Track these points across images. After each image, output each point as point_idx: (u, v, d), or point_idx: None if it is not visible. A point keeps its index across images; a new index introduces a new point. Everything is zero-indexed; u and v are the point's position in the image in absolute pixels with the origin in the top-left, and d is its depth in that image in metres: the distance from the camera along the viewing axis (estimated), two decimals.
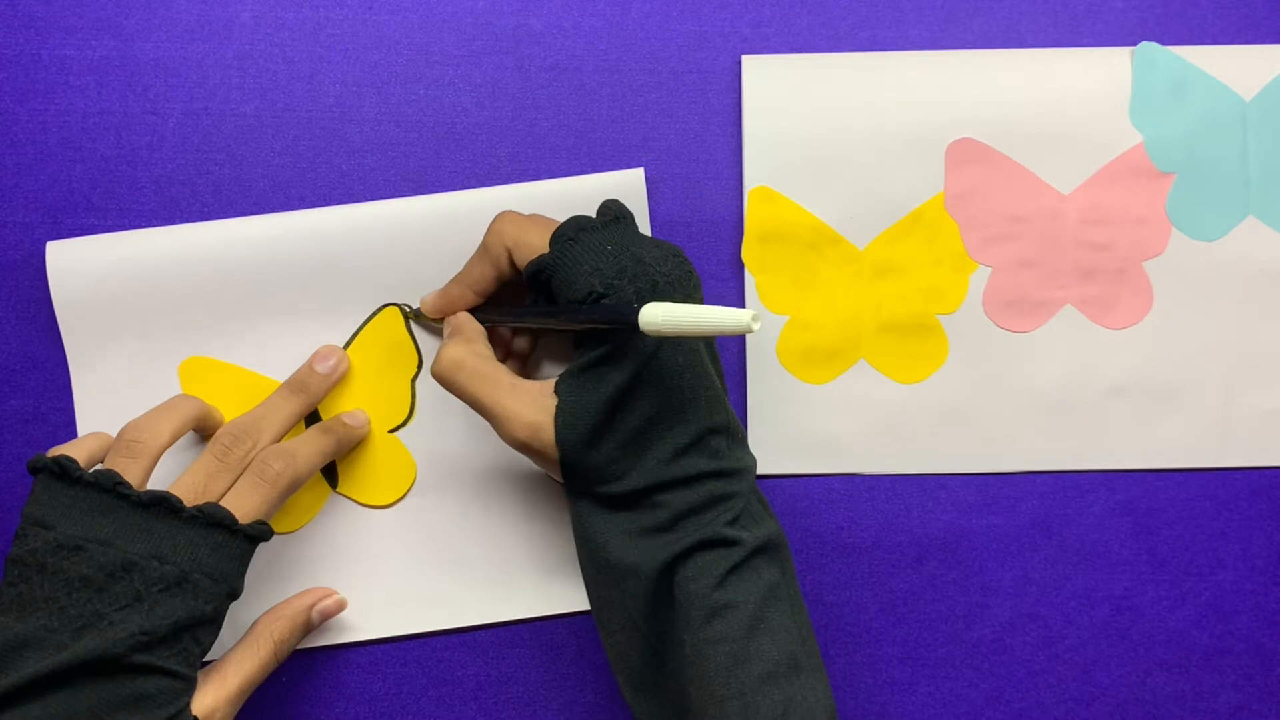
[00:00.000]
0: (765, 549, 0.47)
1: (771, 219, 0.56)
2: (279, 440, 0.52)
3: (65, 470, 0.47)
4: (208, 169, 0.56)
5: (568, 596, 0.56)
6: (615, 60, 0.57)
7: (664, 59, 0.57)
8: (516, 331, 0.54)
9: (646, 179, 0.56)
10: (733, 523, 0.47)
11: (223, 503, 0.48)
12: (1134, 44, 0.57)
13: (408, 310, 0.56)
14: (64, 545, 0.45)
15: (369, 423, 0.55)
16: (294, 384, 0.54)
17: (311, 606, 0.54)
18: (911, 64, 0.57)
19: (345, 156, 0.57)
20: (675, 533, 0.46)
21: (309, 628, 0.54)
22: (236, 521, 0.47)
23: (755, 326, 0.42)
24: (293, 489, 0.50)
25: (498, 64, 0.57)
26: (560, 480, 0.49)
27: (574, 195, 0.55)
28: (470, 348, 0.50)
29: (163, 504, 0.46)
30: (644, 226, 0.56)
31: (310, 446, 0.52)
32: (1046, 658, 0.57)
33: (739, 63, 0.57)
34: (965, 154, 0.56)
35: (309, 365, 0.54)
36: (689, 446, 0.47)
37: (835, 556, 0.57)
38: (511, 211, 0.51)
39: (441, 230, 0.55)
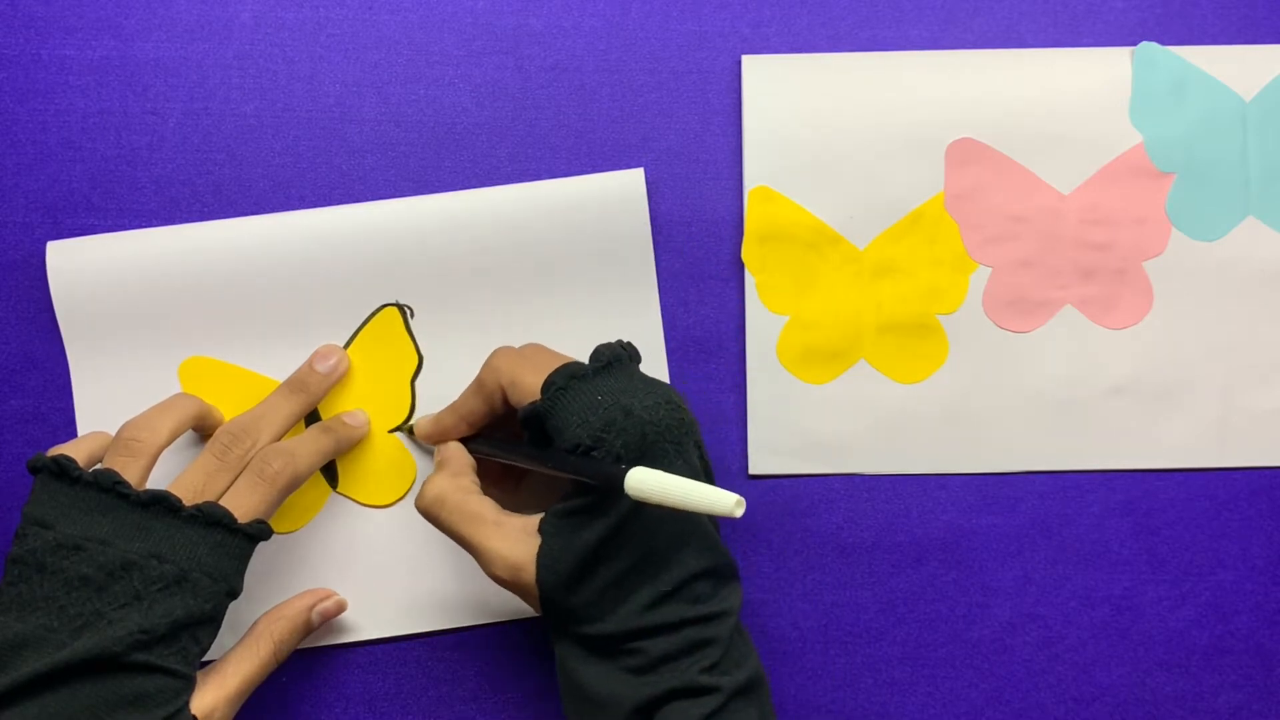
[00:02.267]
0: (744, 691, 0.46)
1: (771, 219, 0.56)
2: (279, 439, 0.52)
3: (64, 470, 0.47)
4: (208, 169, 0.56)
5: None
6: (615, 60, 0.57)
7: (664, 59, 0.57)
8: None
9: (646, 179, 0.56)
10: (711, 669, 0.46)
11: (222, 502, 0.48)
12: (1134, 44, 0.57)
13: (407, 310, 0.56)
14: (63, 545, 0.45)
15: (369, 423, 0.55)
16: (294, 383, 0.54)
17: (311, 607, 0.54)
18: (911, 64, 0.57)
19: (345, 156, 0.57)
20: (653, 675, 0.46)
21: (309, 629, 0.54)
22: (235, 520, 0.47)
23: (738, 513, 0.42)
24: (292, 488, 0.50)
25: (498, 64, 0.57)
26: (540, 615, 0.49)
27: (574, 195, 0.55)
28: (455, 482, 0.50)
29: (161, 503, 0.46)
30: (644, 226, 0.55)
31: (310, 445, 0.52)
32: (1046, 658, 0.57)
33: (739, 63, 0.57)
34: (965, 154, 0.56)
35: (309, 364, 0.54)
36: (670, 595, 0.46)
37: (835, 556, 0.57)
38: (507, 349, 0.51)
39: (442, 230, 0.55)
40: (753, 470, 0.56)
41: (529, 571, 0.47)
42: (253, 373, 0.56)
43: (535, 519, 0.48)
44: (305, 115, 0.57)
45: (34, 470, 0.47)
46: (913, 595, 0.57)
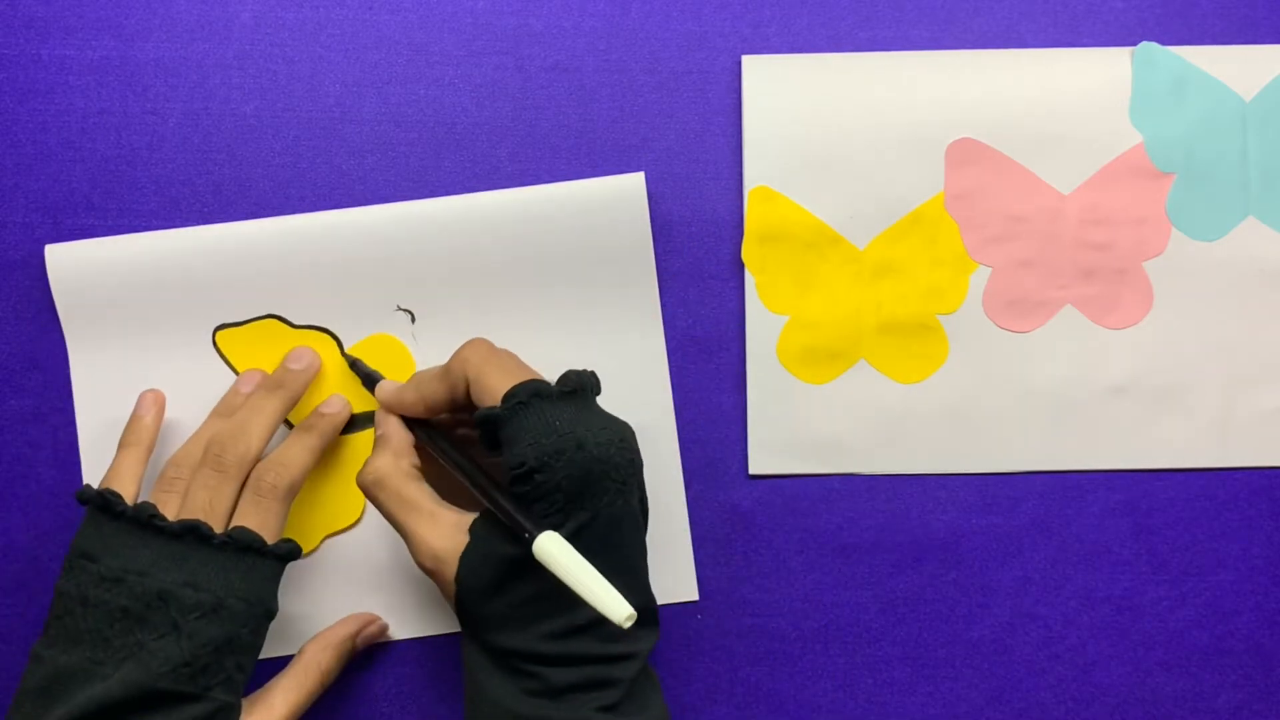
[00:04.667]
0: None
1: (771, 219, 0.56)
2: (267, 439, 0.52)
3: (109, 504, 0.48)
4: (208, 169, 0.56)
5: None
6: (615, 60, 0.57)
7: (664, 59, 0.57)
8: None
9: (647, 180, 0.56)
10: (611, 708, 0.46)
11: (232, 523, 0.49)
12: (1134, 44, 0.57)
13: (410, 314, 0.56)
14: (106, 578, 0.46)
15: (349, 405, 0.55)
16: (271, 383, 0.54)
17: (356, 635, 0.54)
18: (911, 64, 0.57)
19: (345, 156, 0.57)
20: (551, 703, 0.45)
21: (353, 655, 0.54)
22: (265, 544, 0.48)
23: (626, 625, 0.43)
24: (292, 494, 0.51)
25: (498, 64, 0.57)
26: (454, 613, 0.49)
27: (575, 199, 0.55)
28: (395, 464, 0.49)
29: (193, 533, 0.47)
30: (645, 229, 0.55)
31: (296, 449, 0.52)
32: (1046, 658, 0.57)
33: (739, 63, 0.57)
34: (965, 154, 0.56)
35: (283, 365, 0.54)
36: (583, 628, 0.46)
37: (835, 556, 0.57)
38: (482, 343, 0.50)
39: (443, 234, 0.55)
40: (753, 470, 0.57)
41: (451, 566, 0.47)
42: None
43: (469, 517, 0.48)
44: (305, 115, 0.57)
45: (82, 502, 0.49)
46: (913, 595, 0.57)
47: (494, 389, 0.48)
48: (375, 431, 0.52)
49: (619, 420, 0.48)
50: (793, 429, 0.56)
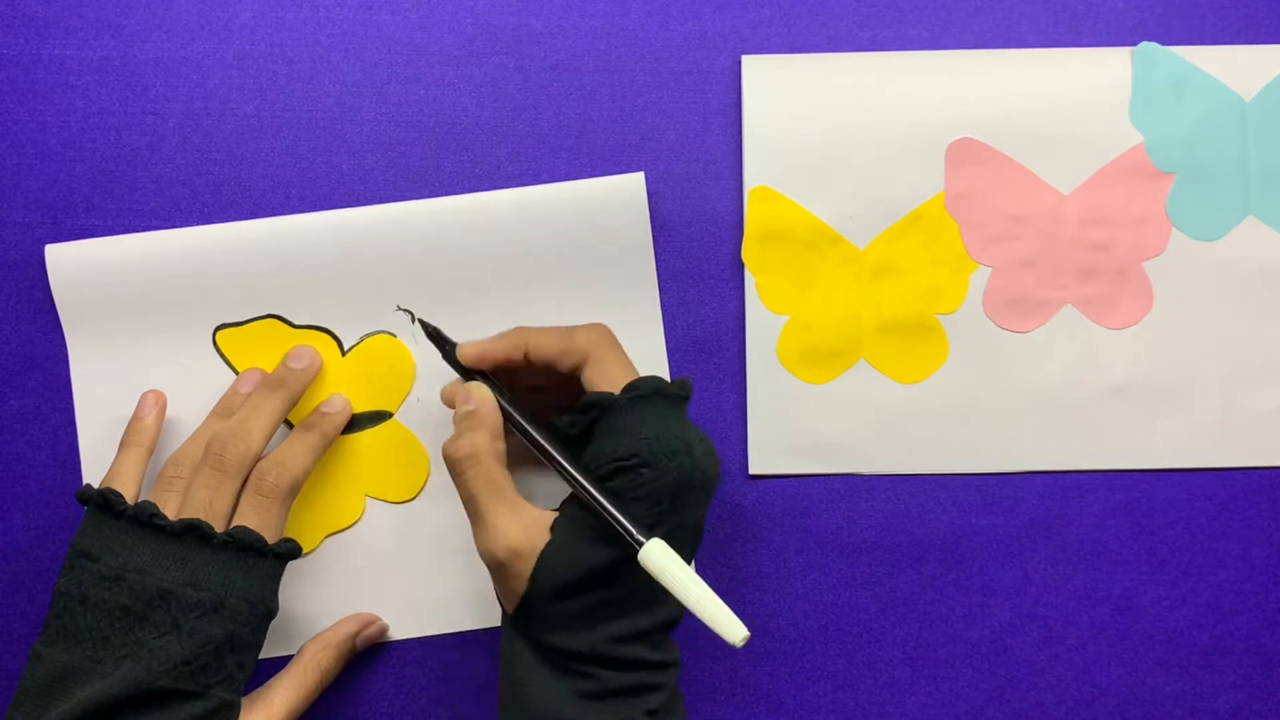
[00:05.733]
0: None
1: (771, 219, 0.56)
2: (268, 438, 0.52)
3: (110, 504, 0.48)
4: (208, 169, 0.56)
5: None
6: (615, 60, 0.57)
7: (664, 59, 0.57)
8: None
9: (647, 180, 0.56)
10: (653, 713, 0.46)
11: (233, 524, 0.49)
12: (1134, 44, 0.57)
13: (410, 313, 0.56)
14: (106, 576, 0.47)
15: (350, 405, 0.55)
16: (272, 381, 0.54)
17: (356, 635, 0.54)
18: (911, 64, 0.57)
19: (345, 156, 0.57)
20: (599, 704, 0.46)
21: (353, 654, 0.54)
22: (266, 544, 0.48)
23: (739, 645, 0.43)
24: (293, 494, 0.51)
25: (498, 64, 0.57)
26: (507, 608, 0.48)
27: (575, 199, 0.55)
28: (491, 444, 0.48)
29: (194, 531, 0.47)
30: (645, 229, 0.55)
31: (297, 447, 0.52)
32: (1046, 658, 0.57)
33: (739, 63, 0.57)
34: (965, 154, 0.56)
35: (283, 363, 0.54)
36: (642, 634, 0.46)
37: (835, 556, 0.57)
38: (607, 329, 0.50)
39: (444, 234, 0.55)
40: (753, 470, 0.57)
41: (527, 563, 0.46)
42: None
43: (550, 515, 0.47)
44: (305, 115, 0.57)
45: (83, 502, 0.49)
46: (913, 595, 0.57)
47: (612, 376, 0.48)
48: (459, 407, 0.49)
49: (706, 435, 0.49)
50: (793, 429, 0.56)
